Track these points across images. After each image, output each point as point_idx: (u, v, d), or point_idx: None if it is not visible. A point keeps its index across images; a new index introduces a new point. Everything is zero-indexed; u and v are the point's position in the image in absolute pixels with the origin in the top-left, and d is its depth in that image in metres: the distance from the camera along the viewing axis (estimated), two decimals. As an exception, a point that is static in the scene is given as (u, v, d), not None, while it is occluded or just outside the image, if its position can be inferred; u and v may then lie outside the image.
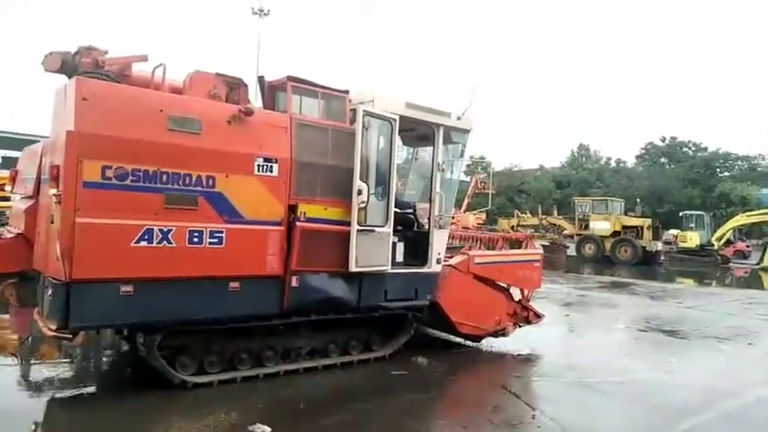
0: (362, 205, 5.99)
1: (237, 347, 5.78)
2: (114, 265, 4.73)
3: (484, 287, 7.47)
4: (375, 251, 6.21)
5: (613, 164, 57.19)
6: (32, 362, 5.74)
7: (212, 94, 5.59)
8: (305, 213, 5.74)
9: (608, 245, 26.96)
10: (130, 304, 4.82)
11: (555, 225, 31.25)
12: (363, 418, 5.28)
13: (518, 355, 7.78)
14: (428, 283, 6.88)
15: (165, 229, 4.94)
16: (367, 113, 6.05)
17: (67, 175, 4.53)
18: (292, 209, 5.69)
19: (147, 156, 4.87)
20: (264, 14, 37.48)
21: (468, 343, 7.95)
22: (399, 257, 6.70)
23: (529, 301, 8.23)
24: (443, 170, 6.99)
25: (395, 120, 6.33)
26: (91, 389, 5.66)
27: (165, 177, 4.95)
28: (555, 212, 33.12)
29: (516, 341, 8.06)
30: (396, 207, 6.72)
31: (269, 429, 4.69)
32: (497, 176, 49.31)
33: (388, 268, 6.38)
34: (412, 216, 7.32)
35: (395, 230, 6.73)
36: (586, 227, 28.53)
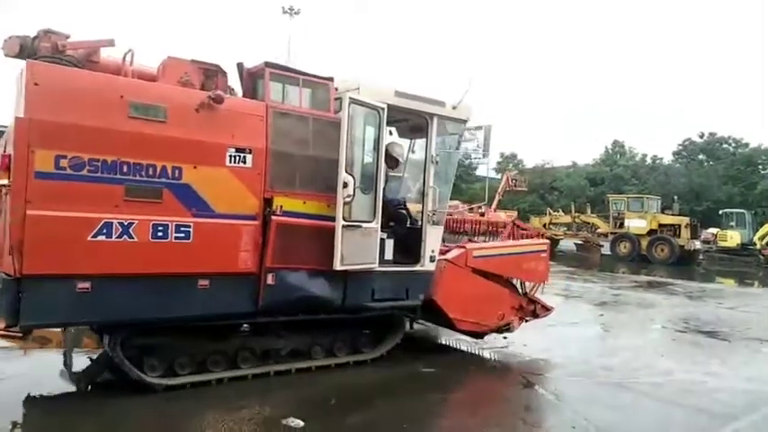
0: (348, 199, 5.62)
1: (211, 348, 5.50)
2: (69, 261, 4.47)
3: (484, 281, 7.02)
4: (362, 248, 5.83)
5: (649, 161, 55.18)
6: (76, 351, 5.71)
7: (183, 80, 5.30)
8: (281, 207, 5.40)
9: (644, 243, 26.09)
10: (88, 302, 4.56)
11: (588, 223, 30.31)
12: (394, 415, 5.21)
13: (550, 354, 7.56)
14: (420, 282, 6.48)
15: (126, 223, 4.66)
16: (353, 101, 5.67)
17: (18, 165, 4.29)
18: (268, 202, 5.37)
19: (106, 144, 4.60)
20: (295, 13, 37.45)
21: (499, 342, 7.78)
22: (389, 255, 6.32)
23: (535, 293, 7.77)
24: (437, 163, 6.55)
25: (383, 109, 5.94)
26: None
27: (125, 168, 4.68)
28: (588, 210, 32.12)
29: (548, 340, 7.95)
30: (385, 201, 6.38)
31: (301, 423, 4.70)
32: (529, 174, 48.48)
33: (376, 266, 6.00)
34: (404, 211, 6.92)
35: (385, 226, 6.37)
36: (621, 225, 27.64)
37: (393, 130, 7.35)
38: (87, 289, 4.55)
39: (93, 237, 4.53)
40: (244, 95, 5.78)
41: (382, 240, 6.21)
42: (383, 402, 5.51)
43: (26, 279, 4.33)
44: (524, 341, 7.85)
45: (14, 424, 4.62)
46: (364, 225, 5.83)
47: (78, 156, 4.49)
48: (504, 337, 7.84)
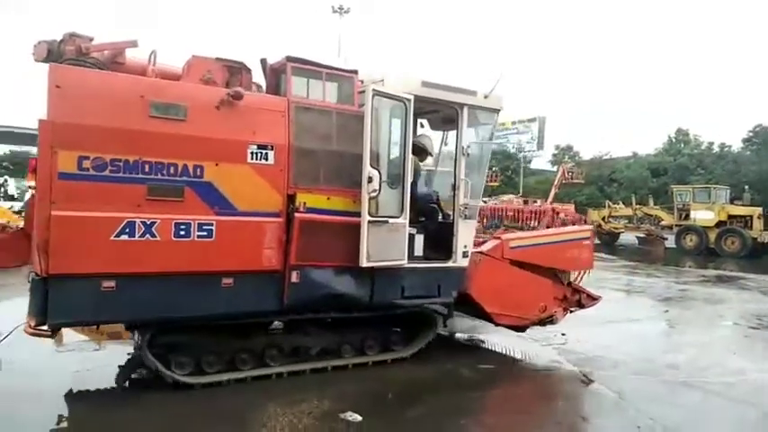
0: (374, 194, 5.49)
1: (238, 346, 5.50)
2: (94, 260, 4.55)
3: (523, 273, 6.75)
4: (389, 244, 5.69)
5: (716, 149, 52.06)
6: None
7: (206, 78, 5.31)
8: (305, 204, 5.33)
9: (712, 236, 24.67)
10: (113, 301, 4.63)
11: (651, 215, 29.04)
12: (452, 410, 5.18)
13: (609, 350, 7.26)
14: (453, 278, 6.27)
15: (149, 222, 4.70)
16: (377, 93, 5.53)
17: (42, 167, 4.40)
18: (291, 199, 5.31)
19: (128, 145, 4.65)
20: (345, 12, 37.61)
21: (558, 336, 7.64)
22: (419, 251, 6.15)
23: (580, 281, 7.42)
24: (468, 155, 6.32)
25: (409, 100, 5.77)
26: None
27: (147, 167, 4.72)
28: (651, 202, 30.76)
29: (607, 336, 7.79)
30: (416, 196, 6.23)
31: (359, 417, 4.73)
32: (586, 165, 46.95)
33: (405, 263, 5.85)
34: (435, 206, 6.72)
35: (416, 222, 6.22)
36: (686, 217, 26.26)
37: (424, 122, 7.20)
38: (112, 288, 4.62)
39: (116, 236, 4.59)
40: (267, 91, 5.74)
41: (411, 236, 6.05)
42: (436, 398, 5.43)
43: (52, 278, 4.43)
44: (582, 337, 7.64)
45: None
46: (391, 221, 5.68)
47: (100, 156, 4.55)
48: (563, 334, 7.69)
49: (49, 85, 4.42)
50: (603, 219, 29.68)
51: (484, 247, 6.58)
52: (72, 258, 4.47)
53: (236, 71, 5.61)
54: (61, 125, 4.42)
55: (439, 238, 6.37)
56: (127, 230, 4.63)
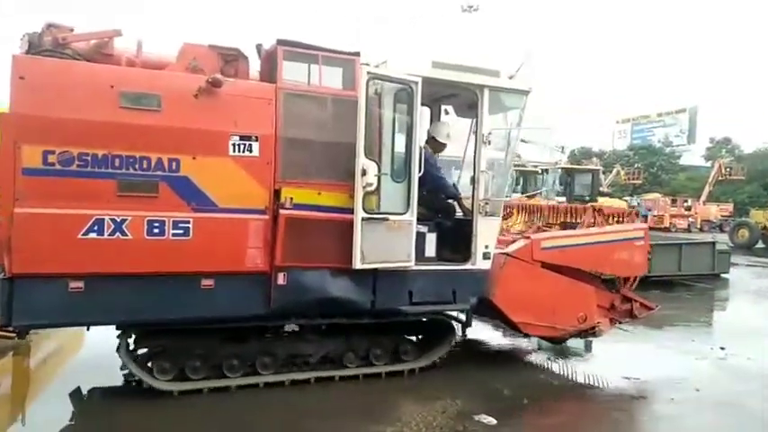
0: (369, 188, 4.96)
1: (227, 353, 5.14)
2: (60, 260, 4.31)
3: (558, 278, 5.94)
4: (391, 244, 5.14)
5: None
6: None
7: (192, 66, 4.97)
8: (291, 199, 4.87)
9: None
10: (82, 302, 4.38)
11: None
12: (588, 422, 5.08)
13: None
14: (471, 283, 5.59)
15: (119, 220, 4.42)
16: (373, 76, 4.98)
17: (4, 162, 4.20)
18: (278, 194, 4.87)
19: (96, 138, 4.38)
20: (474, 10, 36.90)
21: (715, 349, 7.07)
22: (430, 252, 5.54)
23: (633, 288, 6.50)
24: (490, 143, 5.61)
25: (416, 83, 5.16)
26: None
27: (117, 161, 4.43)
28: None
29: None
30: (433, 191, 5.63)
31: (494, 421, 4.66)
32: (747, 160, 42.60)
33: (412, 264, 5.25)
34: (452, 201, 6.04)
35: (432, 219, 5.62)
36: None
37: (450, 108, 6.54)
38: (80, 289, 4.38)
39: (83, 234, 4.33)
40: (261, 78, 5.34)
41: (422, 235, 5.46)
42: (575, 407, 5.32)
43: (17, 279, 4.24)
44: (743, 351, 6.88)
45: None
46: (393, 218, 5.11)
47: (67, 150, 4.31)
48: (722, 347, 7.04)
49: (12, 76, 4.22)
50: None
51: (510, 248, 5.83)
52: (37, 257, 4.25)
53: (231, 59, 5.25)
54: (25, 118, 4.21)
55: (457, 238, 5.71)
56: (95, 228, 4.36)
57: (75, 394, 5.05)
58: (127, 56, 5.01)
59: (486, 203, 5.58)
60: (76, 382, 5.22)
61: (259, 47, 5.43)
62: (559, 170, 23.72)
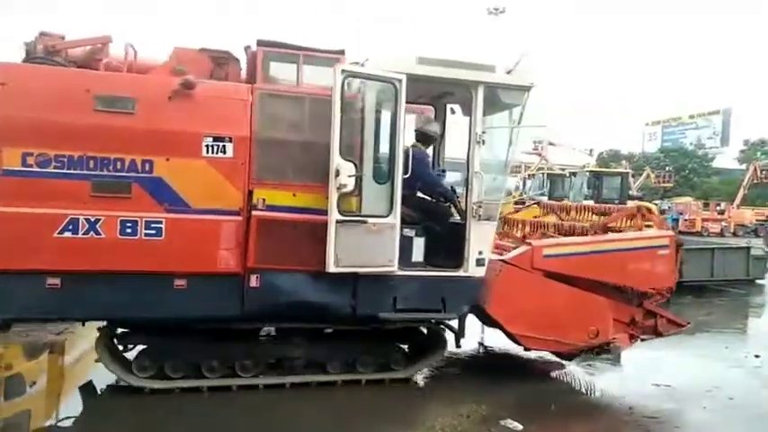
0: (345, 189, 4.80)
1: (206, 353, 5.15)
2: (37, 257, 4.49)
3: (562, 288, 5.48)
4: (371, 247, 4.94)
5: None
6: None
7: (176, 69, 5.05)
8: (264, 200, 4.81)
9: None
10: (59, 298, 4.55)
11: None
12: (616, 430, 4.96)
13: None
14: (463, 290, 5.27)
15: (93, 219, 4.55)
16: (349, 74, 4.82)
17: None
18: (252, 195, 4.83)
19: (72, 140, 4.53)
20: (500, 13, 36.52)
21: (750, 357, 6.81)
22: (418, 257, 5.27)
23: (660, 302, 5.90)
24: (483, 142, 5.26)
25: (400, 81, 4.95)
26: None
27: (92, 163, 4.56)
28: None
29: None
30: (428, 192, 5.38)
31: (520, 426, 4.64)
32: None
33: (395, 270, 5.03)
34: (440, 203, 5.73)
35: (422, 222, 5.37)
36: None
37: (456, 107, 6.24)
38: (57, 285, 4.54)
39: (59, 233, 4.50)
40: (247, 80, 5.32)
41: (409, 239, 5.22)
42: (604, 415, 5.21)
43: None
44: None
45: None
46: (373, 220, 4.92)
47: (45, 152, 4.49)
48: (757, 355, 6.86)
49: None
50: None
51: (509, 255, 5.44)
52: (15, 254, 4.46)
53: (222, 62, 5.31)
54: (5, 122, 4.43)
55: (450, 243, 5.41)
56: (70, 227, 4.52)
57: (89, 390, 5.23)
58: (117, 61, 5.16)
59: (480, 207, 5.24)
60: (106, 380, 5.32)
61: (247, 48, 5.43)
62: (587, 173, 23.33)
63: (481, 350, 6.83)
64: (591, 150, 35.90)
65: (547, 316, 5.44)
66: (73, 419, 4.77)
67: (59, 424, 4.74)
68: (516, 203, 13.20)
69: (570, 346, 5.60)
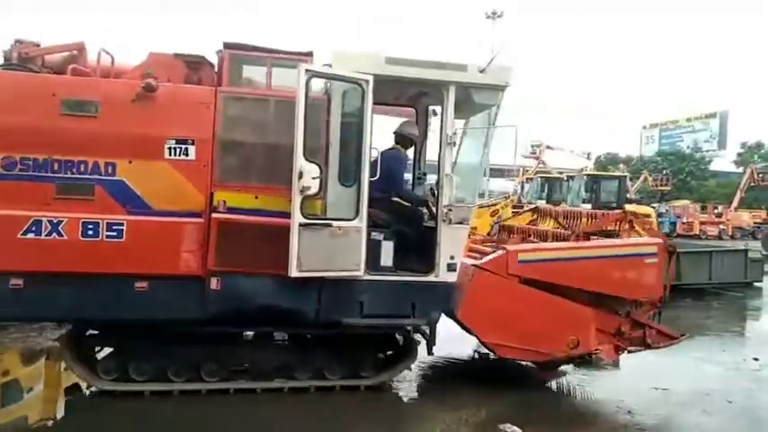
0: (308, 192, 4.71)
1: (172, 356, 5.11)
2: (1, 257, 4.57)
3: (541, 295, 5.26)
4: (336, 252, 4.84)
5: None
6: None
7: (146, 74, 5.08)
8: (224, 203, 4.77)
9: None
10: (22, 298, 4.60)
11: None
12: None
13: None
14: (433, 296, 5.11)
15: (55, 221, 4.59)
16: (313, 74, 4.76)
17: None
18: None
19: (38, 143, 4.60)
20: (498, 17, 36.54)
21: (749, 360, 6.79)
22: (387, 261, 5.13)
23: (654, 314, 5.64)
24: (454, 143, 5.11)
25: (367, 81, 4.86)
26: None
27: (56, 165, 4.62)
28: None
29: None
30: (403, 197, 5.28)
31: (519, 430, 4.63)
32: None
33: (361, 274, 4.91)
34: (420, 208, 5.58)
35: (393, 226, 5.24)
36: None
37: (438, 109, 6.11)
38: (20, 286, 4.59)
39: (22, 234, 4.55)
40: (217, 83, 5.31)
41: (377, 243, 5.09)
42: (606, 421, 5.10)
43: None
44: None
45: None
46: (337, 224, 4.82)
47: (10, 156, 4.57)
48: (755, 358, 6.85)
49: None
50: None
51: (482, 260, 5.25)
52: None
53: (196, 66, 5.32)
54: None
55: (422, 248, 5.26)
56: (33, 229, 4.57)
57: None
58: (90, 67, 5.23)
59: (450, 210, 5.08)
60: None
61: (219, 52, 5.43)
62: (585, 177, 23.13)
63: (476, 356, 6.63)
64: (589, 154, 35.76)
65: (522, 324, 5.21)
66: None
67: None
68: (515, 207, 12.99)
69: (548, 356, 5.35)
